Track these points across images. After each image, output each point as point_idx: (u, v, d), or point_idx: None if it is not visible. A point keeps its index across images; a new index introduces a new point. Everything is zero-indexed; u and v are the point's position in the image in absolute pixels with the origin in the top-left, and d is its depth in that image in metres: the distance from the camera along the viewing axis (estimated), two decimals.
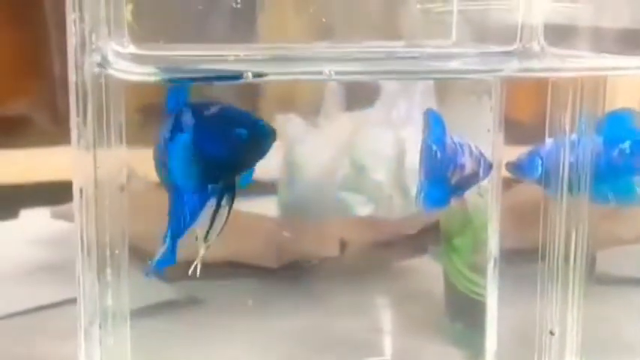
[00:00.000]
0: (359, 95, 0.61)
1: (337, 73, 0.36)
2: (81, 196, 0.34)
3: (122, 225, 0.35)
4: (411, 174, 0.57)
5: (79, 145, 0.34)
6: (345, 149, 0.60)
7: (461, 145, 0.42)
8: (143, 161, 0.47)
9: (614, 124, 0.43)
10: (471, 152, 0.43)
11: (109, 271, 0.35)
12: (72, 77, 0.32)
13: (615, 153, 0.43)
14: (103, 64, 0.32)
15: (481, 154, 0.43)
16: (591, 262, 0.43)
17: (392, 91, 0.61)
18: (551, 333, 0.43)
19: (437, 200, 0.42)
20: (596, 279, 0.45)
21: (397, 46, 0.43)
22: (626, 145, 0.43)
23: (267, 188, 0.58)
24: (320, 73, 0.35)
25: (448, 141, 0.42)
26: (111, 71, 0.32)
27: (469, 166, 0.42)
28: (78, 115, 0.33)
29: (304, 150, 0.59)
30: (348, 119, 0.62)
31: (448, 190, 0.42)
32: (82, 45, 0.32)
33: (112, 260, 0.35)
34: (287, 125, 0.59)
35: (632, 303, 0.46)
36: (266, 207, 0.58)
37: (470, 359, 0.49)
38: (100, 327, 0.34)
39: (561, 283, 0.43)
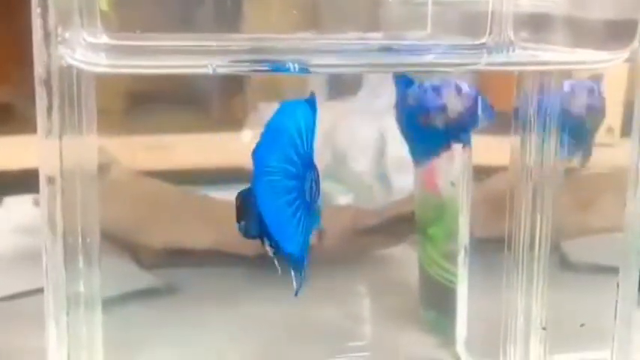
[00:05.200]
0: (341, 85, 0.61)
1: (316, 65, 0.37)
2: (53, 185, 0.34)
3: (94, 213, 0.36)
4: (391, 164, 0.58)
5: (46, 134, 0.34)
6: (327, 139, 0.61)
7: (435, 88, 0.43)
8: (117, 149, 0.47)
9: None
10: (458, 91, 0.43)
11: (80, 258, 0.35)
12: (37, 70, 0.32)
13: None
14: (71, 56, 0.32)
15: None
16: (556, 251, 0.44)
17: (374, 81, 0.61)
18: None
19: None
20: (562, 267, 0.46)
21: (375, 38, 0.44)
22: None
23: (247, 177, 0.58)
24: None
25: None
26: (76, 64, 0.32)
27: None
28: (44, 105, 0.33)
29: None
30: (330, 109, 0.62)
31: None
32: (47, 37, 0.32)
33: (84, 248, 0.35)
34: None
35: (598, 291, 0.46)
36: None
37: (442, 346, 0.49)
38: (68, 314, 0.34)
39: (526, 272, 0.43)
